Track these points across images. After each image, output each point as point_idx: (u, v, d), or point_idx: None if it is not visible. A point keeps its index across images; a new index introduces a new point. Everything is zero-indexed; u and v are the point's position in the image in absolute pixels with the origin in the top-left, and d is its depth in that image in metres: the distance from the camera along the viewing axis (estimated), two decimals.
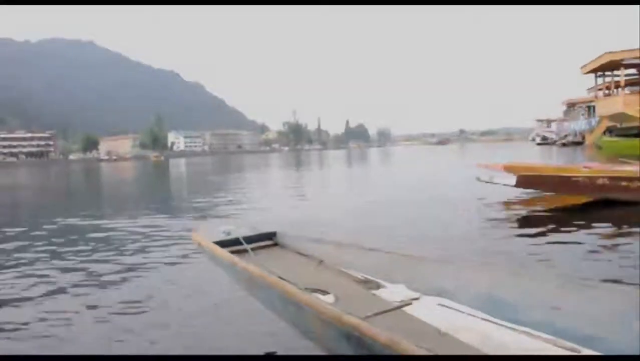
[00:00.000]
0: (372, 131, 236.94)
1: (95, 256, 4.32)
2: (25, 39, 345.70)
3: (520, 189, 6.74)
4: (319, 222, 5.74)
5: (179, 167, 35.05)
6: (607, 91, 33.87)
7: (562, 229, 4.62)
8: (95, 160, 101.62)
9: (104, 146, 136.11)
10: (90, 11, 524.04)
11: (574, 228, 4.55)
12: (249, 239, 2.53)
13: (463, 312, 1.70)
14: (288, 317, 1.83)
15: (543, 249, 3.87)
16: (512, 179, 6.18)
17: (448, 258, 2.19)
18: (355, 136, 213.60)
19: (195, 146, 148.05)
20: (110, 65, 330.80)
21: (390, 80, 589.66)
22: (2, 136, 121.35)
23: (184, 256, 4.04)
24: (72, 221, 6.83)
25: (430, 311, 1.75)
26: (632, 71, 30.08)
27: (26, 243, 5.17)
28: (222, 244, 2.35)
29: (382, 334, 1.20)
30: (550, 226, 4.75)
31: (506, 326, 1.58)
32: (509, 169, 7.99)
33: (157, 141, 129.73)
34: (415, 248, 3.48)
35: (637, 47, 25.53)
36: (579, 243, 4.00)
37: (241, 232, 2.58)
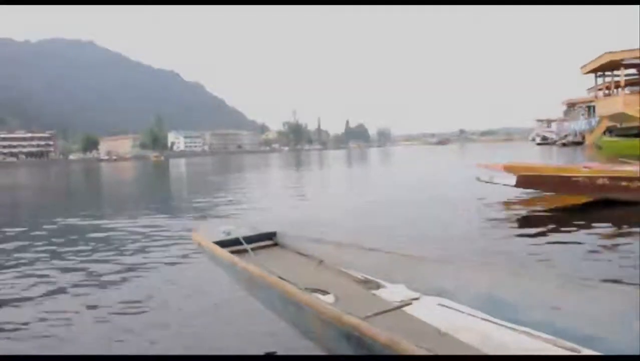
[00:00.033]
0: (372, 131, 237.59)
1: (95, 256, 4.32)
2: (25, 39, 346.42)
3: (520, 189, 6.74)
4: (319, 222, 5.74)
5: (179, 167, 35.04)
6: (607, 91, 33.88)
7: (562, 229, 4.62)
8: (95, 160, 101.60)
9: (104, 146, 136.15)
10: (90, 11, 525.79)
11: (574, 228, 4.55)
12: (249, 239, 2.53)
13: (463, 312, 1.70)
14: (288, 317, 1.83)
15: (543, 249, 3.87)
16: (512, 179, 6.18)
17: (448, 258, 2.19)
18: (355, 136, 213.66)
19: (195, 146, 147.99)
20: (110, 65, 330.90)
21: (390, 80, 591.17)
22: (2, 136, 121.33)
23: (184, 256, 4.04)
24: (72, 221, 6.83)
25: (430, 311, 1.75)
26: (632, 71, 30.09)
27: (26, 243, 5.17)
28: (222, 244, 2.35)
29: (382, 334, 1.20)
30: (550, 226, 4.75)
31: (506, 326, 1.57)
32: (509, 169, 7.99)
33: (157, 141, 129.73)
34: (415, 248, 3.49)
35: (637, 47, 25.54)
36: (579, 243, 4.00)
37: (241, 232, 2.58)
